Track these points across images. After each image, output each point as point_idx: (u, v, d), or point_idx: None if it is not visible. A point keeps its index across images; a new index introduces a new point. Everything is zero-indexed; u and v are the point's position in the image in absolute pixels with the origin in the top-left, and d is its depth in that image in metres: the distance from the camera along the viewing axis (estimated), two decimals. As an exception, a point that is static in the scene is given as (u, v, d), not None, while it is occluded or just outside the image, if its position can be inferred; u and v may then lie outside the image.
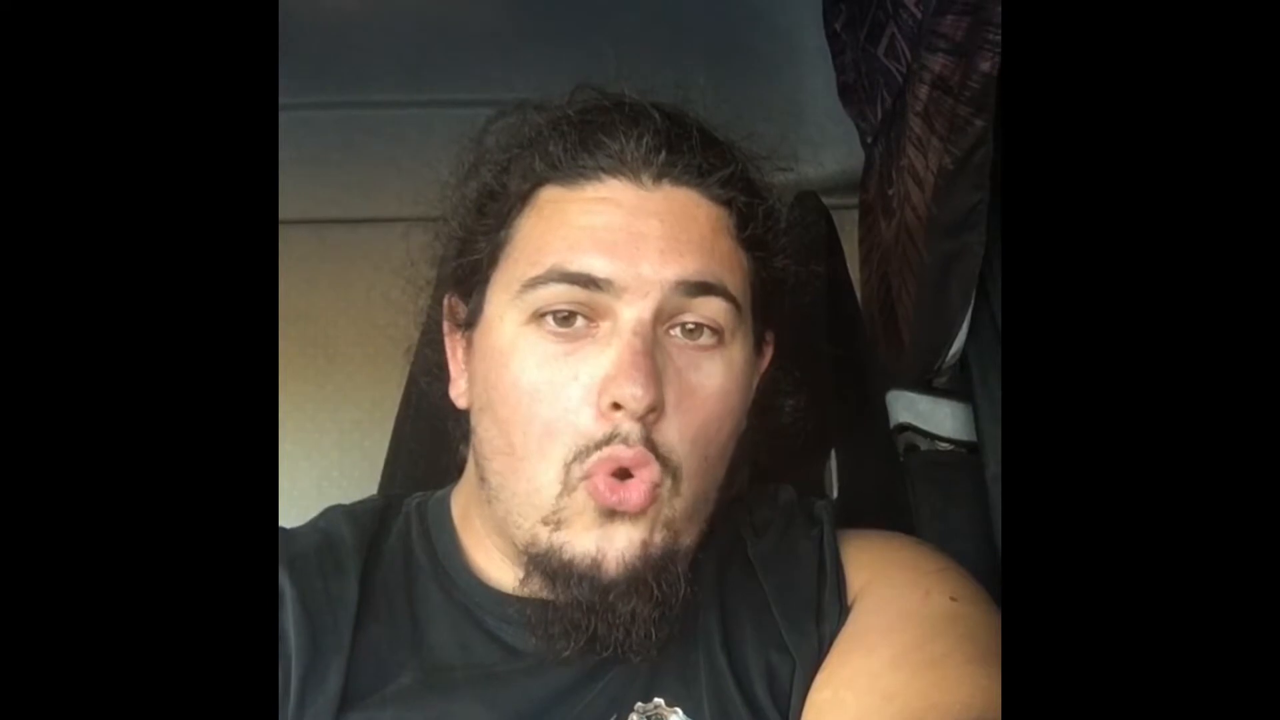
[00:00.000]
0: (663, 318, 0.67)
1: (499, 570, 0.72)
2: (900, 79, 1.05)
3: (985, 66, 0.83)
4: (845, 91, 1.26)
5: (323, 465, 1.77)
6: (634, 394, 0.63)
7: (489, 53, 1.45)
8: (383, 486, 0.99)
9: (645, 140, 0.68)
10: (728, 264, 0.69)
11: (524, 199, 0.71)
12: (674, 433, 0.66)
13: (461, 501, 0.76)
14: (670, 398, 0.66)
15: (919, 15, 0.96)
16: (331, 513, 0.76)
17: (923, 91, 0.94)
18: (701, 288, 0.67)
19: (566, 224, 0.68)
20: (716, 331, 0.68)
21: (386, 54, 1.46)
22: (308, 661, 0.66)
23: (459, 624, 0.70)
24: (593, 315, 0.66)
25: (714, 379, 0.68)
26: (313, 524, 0.76)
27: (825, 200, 1.04)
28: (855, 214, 1.27)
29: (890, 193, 1.09)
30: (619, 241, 0.66)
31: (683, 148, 0.69)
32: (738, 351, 0.70)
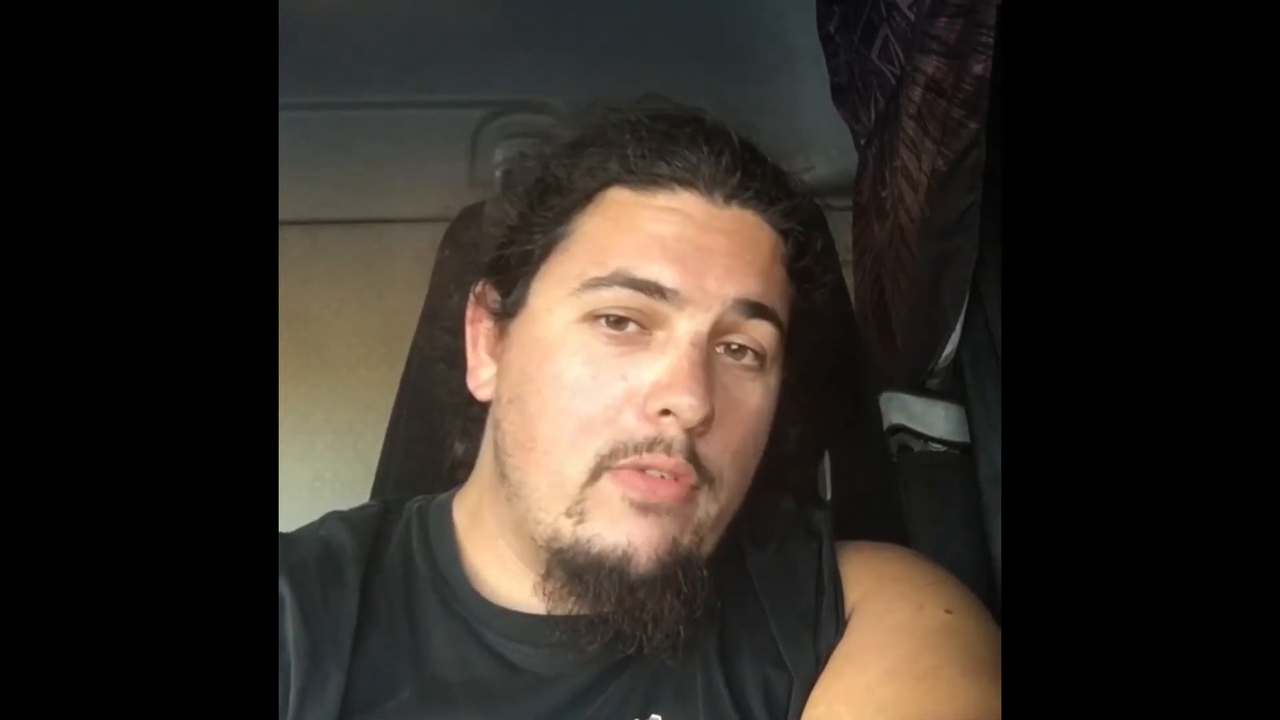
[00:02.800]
0: (716, 334, 0.67)
1: (504, 580, 0.71)
2: (893, 81, 1.05)
3: (978, 69, 0.83)
4: (839, 93, 1.26)
5: (316, 467, 1.77)
6: (690, 404, 0.63)
7: (485, 54, 1.45)
8: (377, 488, 0.98)
9: (724, 159, 0.69)
10: (779, 291, 0.70)
11: (589, 196, 0.71)
12: (718, 445, 0.66)
13: (469, 505, 0.75)
14: (716, 412, 0.65)
15: (912, 17, 0.97)
16: (331, 520, 0.76)
17: (916, 94, 0.94)
18: (758, 309, 0.67)
19: (635, 229, 0.68)
20: (760, 355, 0.69)
21: (382, 55, 1.46)
22: (307, 672, 0.65)
23: (458, 638, 0.70)
24: (647, 323, 0.66)
25: (755, 398, 0.69)
26: (312, 531, 0.75)
27: (818, 202, 1.04)
28: (849, 215, 1.28)
29: (884, 195, 1.09)
30: (687, 253, 0.66)
31: (755, 172, 0.70)
32: (774, 377, 0.70)
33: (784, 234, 0.71)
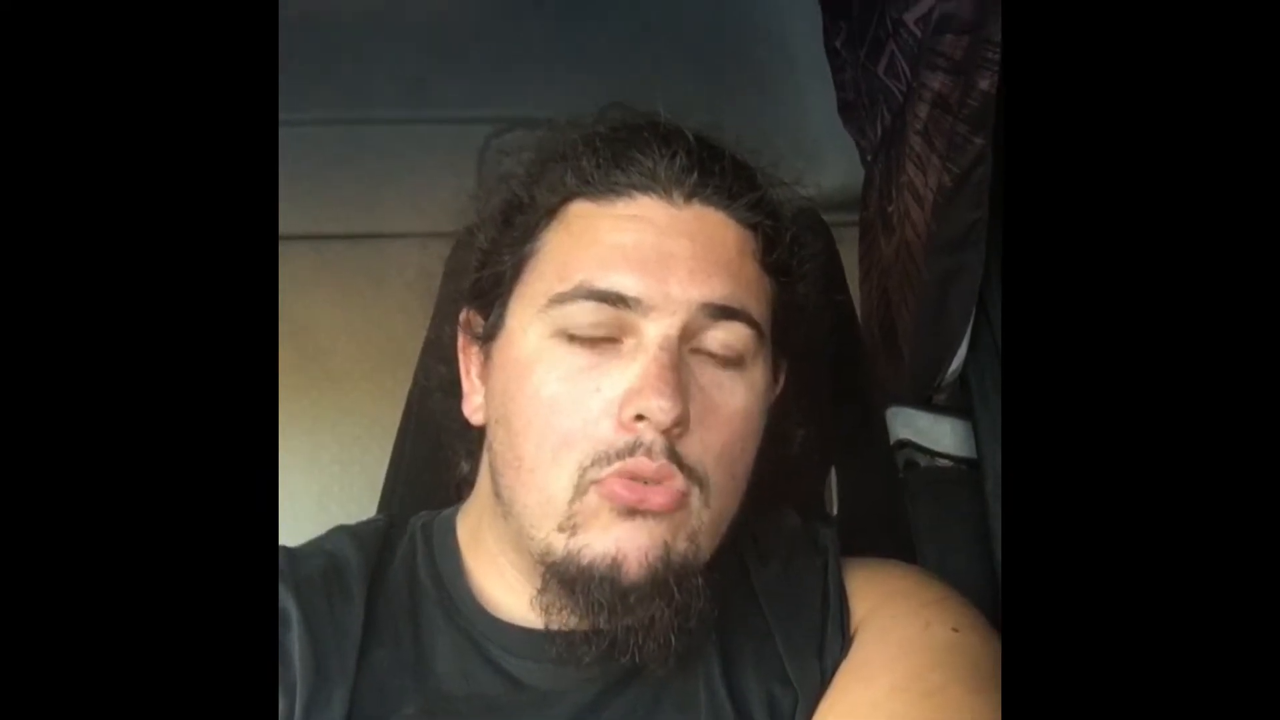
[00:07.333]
0: (687, 336, 0.66)
1: (506, 596, 0.71)
2: (900, 97, 1.05)
3: (984, 85, 0.83)
4: (845, 109, 1.26)
5: (322, 481, 1.77)
6: (661, 406, 0.63)
7: (488, 69, 1.46)
8: (383, 503, 0.98)
9: (679, 159, 0.68)
10: (752, 289, 0.69)
11: (552, 213, 0.71)
12: (699, 447, 0.65)
13: (471, 521, 0.75)
14: (694, 413, 0.65)
15: (919, 34, 0.97)
16: (337, 534, 0.76)
17: (922, 110, 0.94)
18: (726, 312, 0.67)
19: (597, 241, 0.68)
20: (739, 350, 0.68)
21: (386, 70, 1.47)
22: (313, 686, 0.65)
23: (463, 652, 0.70)
24: (617, 333, 0.66)
25: (737, 398, 0.68)
26: (318, 546, 0.75)
27: (825, 217, 1.04)
28: (855, 231, 1.28)
29: (890, 210, 1.09)
30: (649, 260, 0.66)
31: (714, 169, 0.69)
32: (758, 375, 0.70)
33: (752, 229, 0.70)
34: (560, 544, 0.65)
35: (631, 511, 0.64)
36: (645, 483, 0.64)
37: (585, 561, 0.64)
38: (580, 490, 0.64)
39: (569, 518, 0.65)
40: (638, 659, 0.65)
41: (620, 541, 0.64)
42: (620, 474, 0.64)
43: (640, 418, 0.64)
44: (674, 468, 0.64)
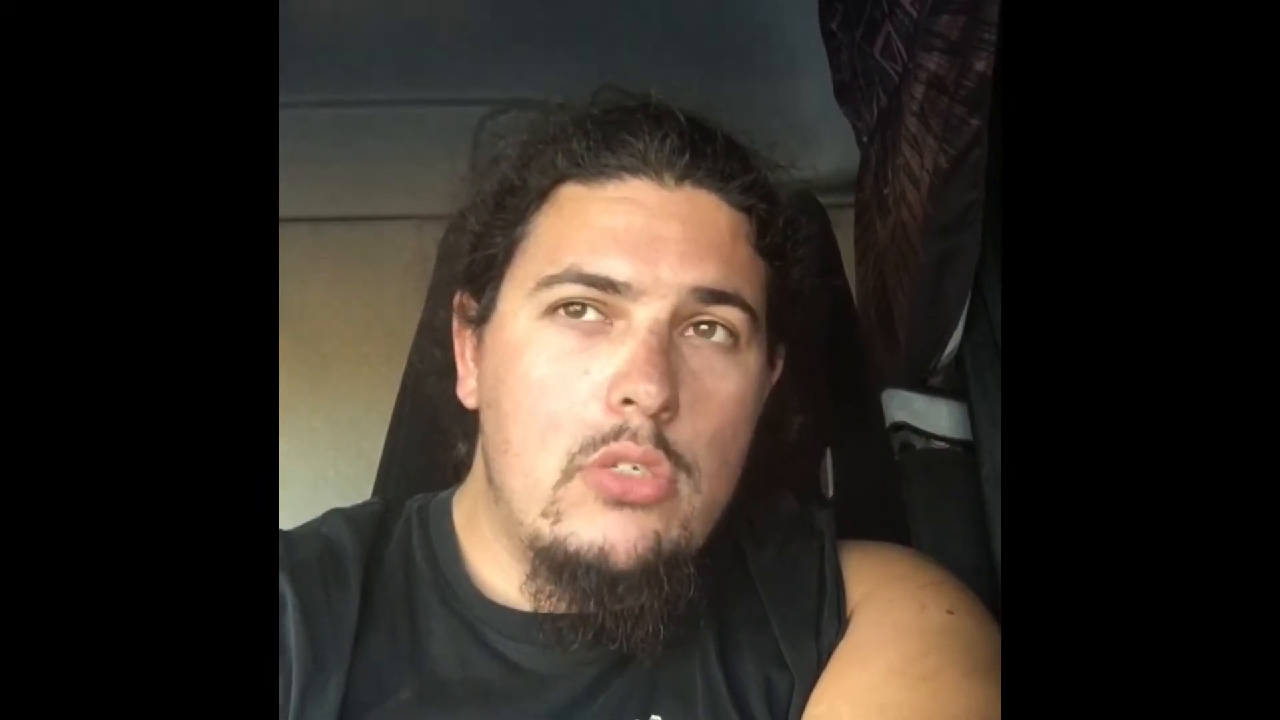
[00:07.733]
0: (678, 320, 0.66)
1: (501, 580, 0.71)
2: (896, 78, 1.05)
3: (980, 66, 0.83)
4: (841, 90, 1.26)
5: (318, 465, 1.77)
6: (647, 390, 0.62)
7: (485, 52, 1.45)
8: (378, 486, 0.98)
9: (669, 141, 0.68)
10: (745, 272, 0.69)
11: (543, 195, 0.70)
12: (688, 433, 0.65)
13: (466, 504, 0.75)
14: (684, 398, 0.65)
15: (915, 14, 0.97)
16: (333, 518, 0.76)
17: (918, 91, 0.94)
18: (718, 296, 0.66)
19: (587, 224, 0.67)
20: (732, 334, 0.68)
21: (383, 52, 1.46)
22: (309, 672, 0.65)
23: (458, 636, 0.70)
24: (607, 313, 0.66)
25: (729, 382, 0.67)
26: (314, 530, 0.75)
27: (821, 199, 1.04)
28: (851, 213, 1.28)
29: (886, 192, 1.09)
30: (639, 243, 0.66)
31: (706, 151, 0.69)
32: (753, 359, 0.69)
33: (746, 211, 0.70)
34: (546, 530, 0.65)
35: (618, 502, 0.64)
36: (634, 467, 0.64)
37: (572, 549, 0.64)
38: (567, 475, 0.64)
39: (553, 503, 0.65)
40: (625, 648, 0.65)
41: (607, 532, 0.63)
42: (605, 459, 0.63)
43: (628, 401, 0.63)
44: (660, 454, 0.64)
